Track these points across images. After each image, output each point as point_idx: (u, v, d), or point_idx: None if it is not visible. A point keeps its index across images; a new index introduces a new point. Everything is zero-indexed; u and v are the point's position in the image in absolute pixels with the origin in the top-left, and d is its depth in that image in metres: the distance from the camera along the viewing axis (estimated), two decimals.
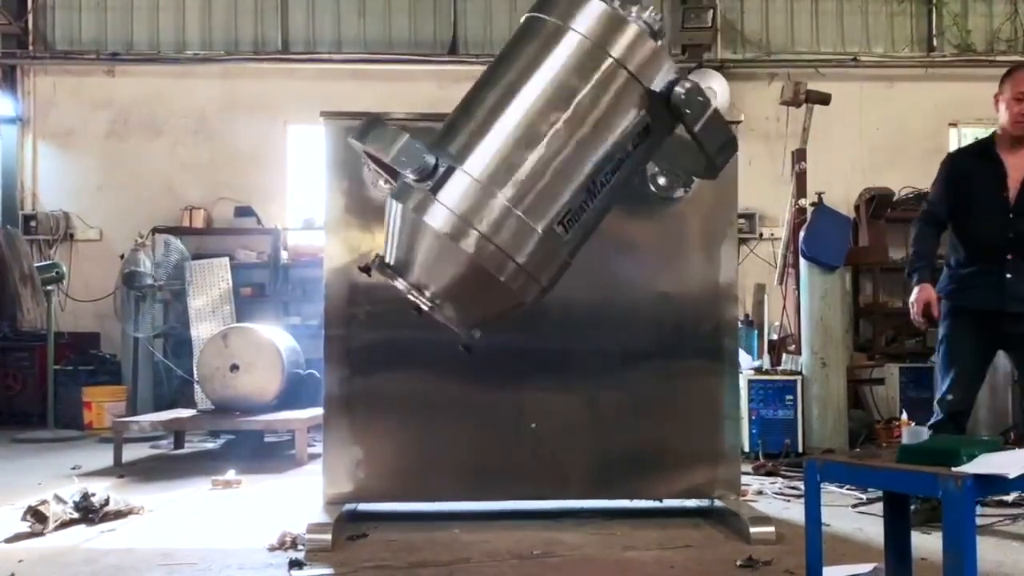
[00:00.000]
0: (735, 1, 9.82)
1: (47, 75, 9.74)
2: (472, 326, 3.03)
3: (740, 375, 5.43)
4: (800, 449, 6.00)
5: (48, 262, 8.60)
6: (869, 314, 9.14)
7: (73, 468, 5.85)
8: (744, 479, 4.70)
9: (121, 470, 5.82)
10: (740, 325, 6.39)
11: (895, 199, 8.66)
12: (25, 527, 3.99)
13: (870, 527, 3.93)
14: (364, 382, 4.16)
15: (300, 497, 4.67)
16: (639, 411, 4.23)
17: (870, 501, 4.38)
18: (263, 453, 6.60)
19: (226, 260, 8.51)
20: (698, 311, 4.28)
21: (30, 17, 9.72)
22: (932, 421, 4.21)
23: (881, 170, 9.17)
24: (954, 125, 9.71)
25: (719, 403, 4.26)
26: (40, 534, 3.96)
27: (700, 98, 2.88)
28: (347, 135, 3.20)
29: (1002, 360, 5.07)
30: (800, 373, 6.29)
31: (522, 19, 3.05)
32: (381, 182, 3.50)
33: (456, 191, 2.81)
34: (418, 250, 2.90)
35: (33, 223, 9.37)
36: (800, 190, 6.75)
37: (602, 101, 2.85)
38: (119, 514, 4.28)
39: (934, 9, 9.79)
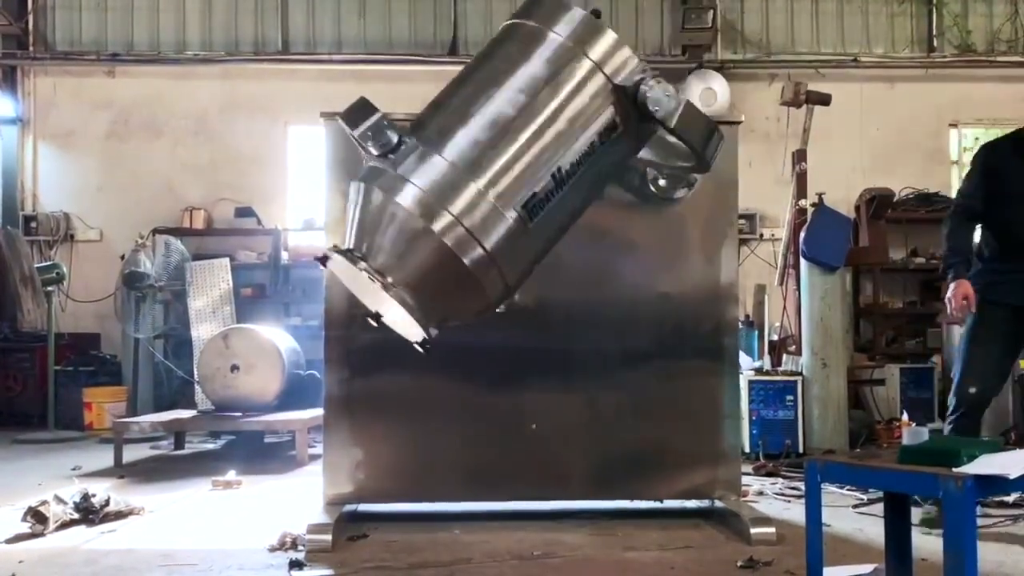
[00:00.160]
0: (735, 1, 9.82)
1: (47, 76, 9.74)
2: (432, 321, 3.02)
3: (740, 376, 5.42)
4: (800, 450, 6.00)
5: (48, 263, 8.61)
6: (869, 314, 9.13)
7: (73, 469, 5.86)
8: (745, 480, 4.70)
9: (121, 471, 5.82)
10: (740, 326, 6.40)
11: (895, 199, 8.63)
12: (25, 528, 4.00)
13: (871, 528, 3.93)
14: (364, 383, 4.16)
15: (300, 498, 4.67)
16: (639, 412, 4.23)
17: (871, 502, 4.38)
18: (263, 454, 6.60)
19: (226, 261, 8.52)
20: (698, 312, 4.28)
21: (30, 18, 9.71)
22: (953, 414, 4.17)
23: (881, 170, 9.16)
24: (954, 126, 9.68)
25: (719, 404, 4.26)
26: (40, 535, 3.96)
27: (667, 95, 2.94)
28: (347, 136, 3.21)
29: None
30: (800, 374, 6.28)
31: (500, 27, 3.22)
32: None
33: (428, 174, 2.87)
34: (385, 232, 2.90)
35: (33, 224, 9.37)
36: (800, 191, 6.75)
37: (571, 95, 2.99)
38: (119, 515, 4.28)
39: (934, 9, 9.78)
